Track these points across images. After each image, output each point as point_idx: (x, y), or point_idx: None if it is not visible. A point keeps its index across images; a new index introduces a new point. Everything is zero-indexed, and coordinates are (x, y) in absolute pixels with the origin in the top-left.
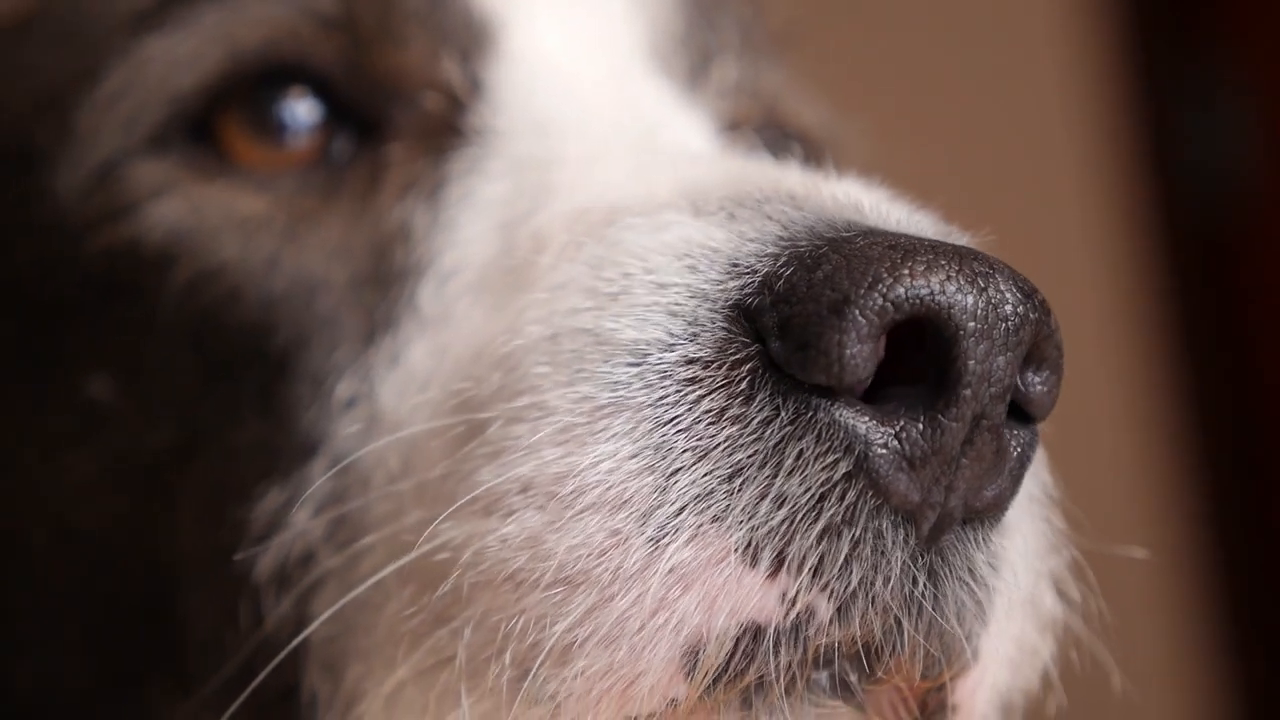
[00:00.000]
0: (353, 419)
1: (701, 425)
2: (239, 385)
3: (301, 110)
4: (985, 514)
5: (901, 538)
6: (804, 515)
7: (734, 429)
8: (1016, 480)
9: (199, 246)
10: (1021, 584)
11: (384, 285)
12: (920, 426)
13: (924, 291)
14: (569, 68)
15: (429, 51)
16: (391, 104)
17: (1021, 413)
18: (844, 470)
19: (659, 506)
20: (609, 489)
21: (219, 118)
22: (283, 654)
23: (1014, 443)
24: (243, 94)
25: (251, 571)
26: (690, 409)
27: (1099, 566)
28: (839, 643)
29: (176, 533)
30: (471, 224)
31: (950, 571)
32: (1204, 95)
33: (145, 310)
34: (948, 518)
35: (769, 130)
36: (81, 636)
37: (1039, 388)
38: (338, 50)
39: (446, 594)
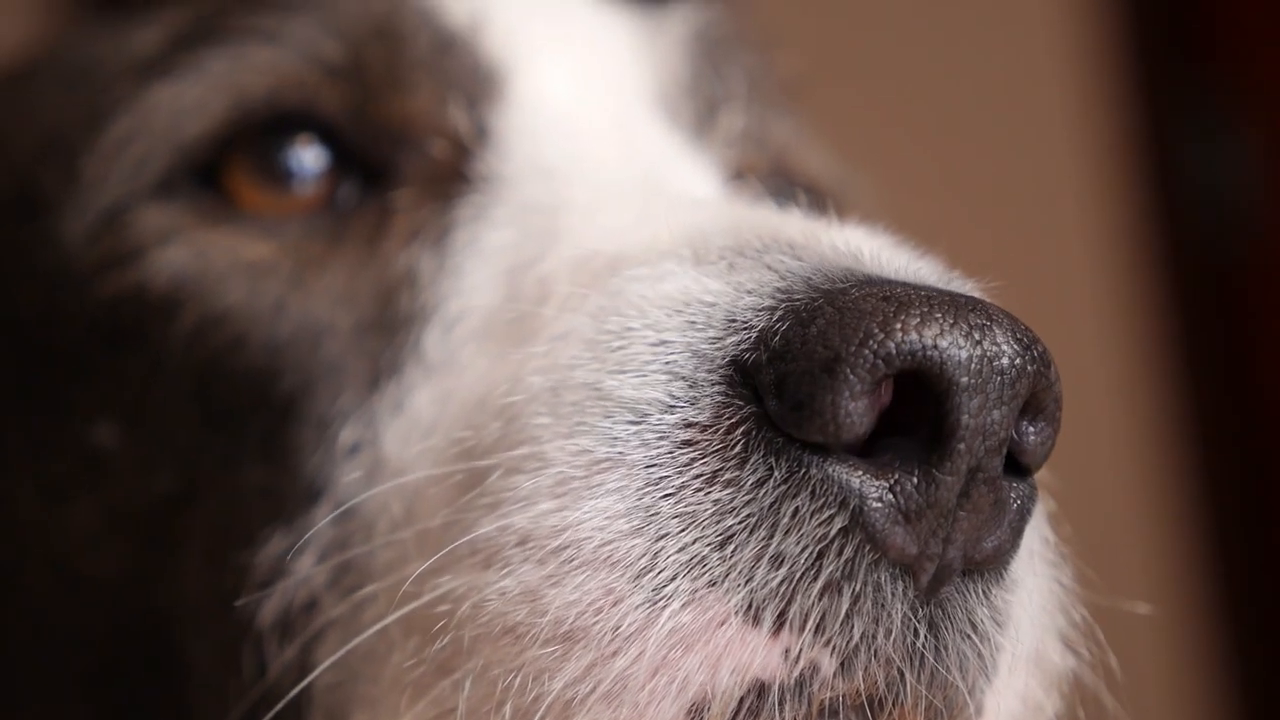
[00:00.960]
0: (356, 465)
1: (689, 491)
2: (243, 430)
3: (308, 157)
4: (986, 566)
5: (901, 590)
6: (803, 573)
7: (725, 493)
8: (1016, 533)
9: (204, 292)
10: (1026, 639)
11: (389, 331)
12: (915, 480)
13: (916, 346)
14: (576, 114)
15: (436, 98)
16: (398, 151)
17: (1019, 464)
18: (840, 525)
19: (650, 570)
20: (602, 546)
21: (226, 164)
22: (285, 700)
23: (1013, 495)
24: (249, 141)
25: (254, 618)
26: (680, 473)
27: (1104, 616)
28: (843, 695)
29: (180, 578)
30: (477, 270)
31: (951, 624)
32: (1207, 123)
33: (150, 355)
34: (947, 569)
35: (775, 179)
36: (83, 682)
37: (1033, 439)
38: (344, 98)
39: (447, 645)
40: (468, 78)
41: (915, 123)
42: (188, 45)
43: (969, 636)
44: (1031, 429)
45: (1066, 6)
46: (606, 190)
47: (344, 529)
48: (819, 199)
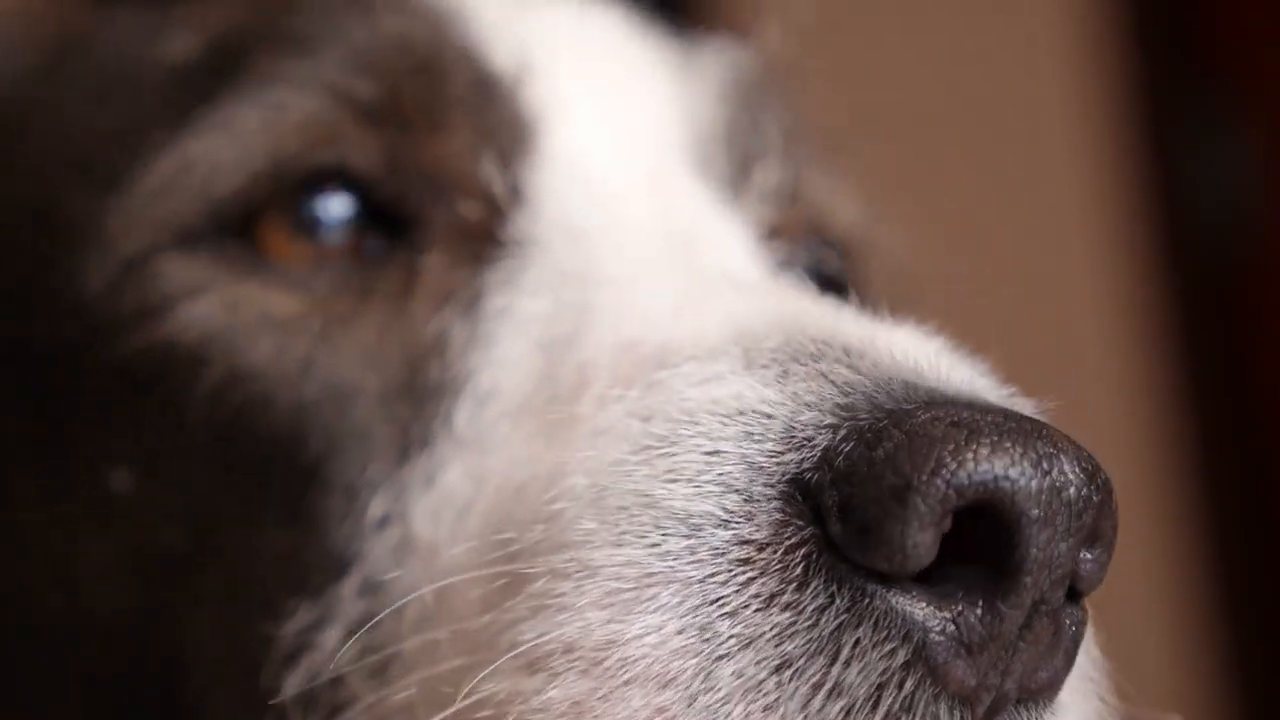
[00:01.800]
0: (385, 539)
1: (749, 611)
2: (265, 491)
3: (336, 207)
4: (1039, 695)
5: None
6: (861, 705)
7: (785, 616)
8: (1070, 660)
9: (232, 348)
10: None
11: (418, 399)
12: (979, 613)
13: (988, 478)
14: (609, 172)
15: (470, 144)
16: (428, 200)
17: (1072, 589)
18: (903, 659)
19: (706, 691)
20: (654, 663)
21: (258, 217)
22: None
23: (1069, 621)
24: (282, 197)
25: (278, 689)
26: (739, 591)
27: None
28: None
29: (197, 634)
30: (510, 342)
31: None
32: (1208, 124)
33: (172, 407)
34: (1003, 699)
35: (808, 238)
36: (84, 717)
37: (1090, 565)
38: (377, 144)
39: None
40: (503, 128)
41: (916, 125)
42: (224, 66)
43: None
44: (1089, 555)
45: (1068, 8)
46: (643, 260)
47: (372, 605)
48: (851, 255)
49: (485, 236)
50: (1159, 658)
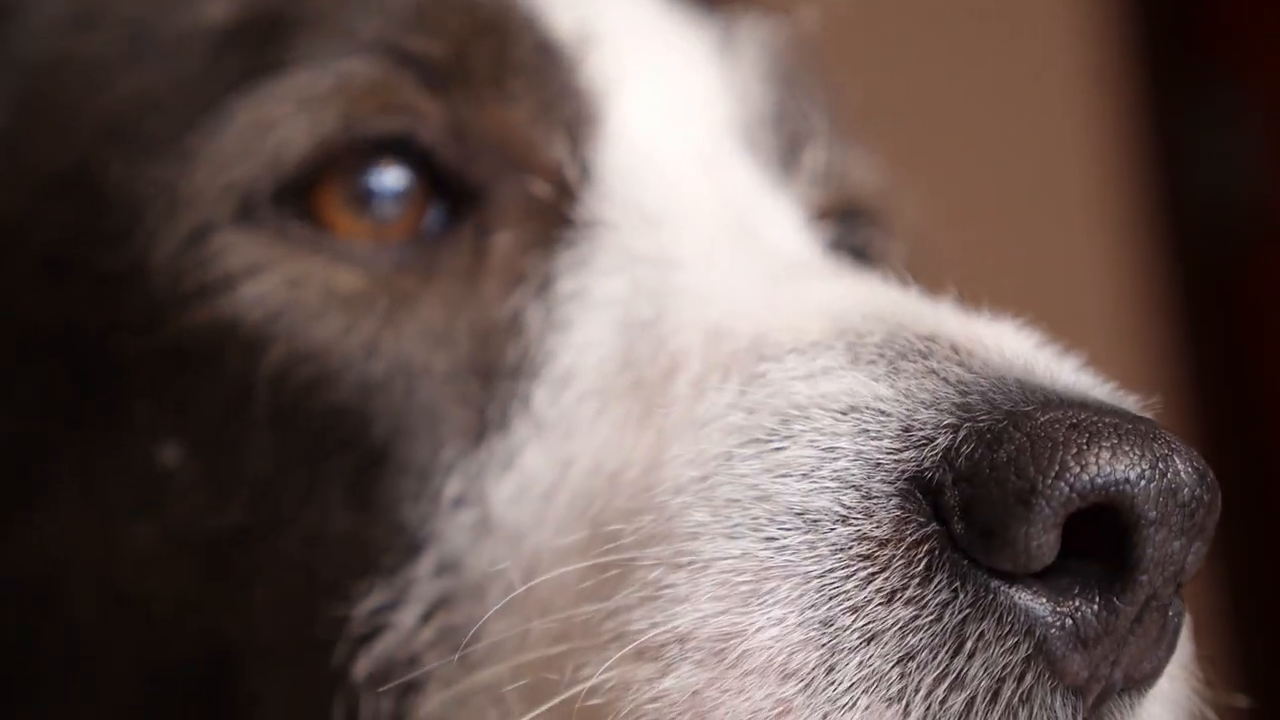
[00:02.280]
0: (462, 520)
1: (872, 606)
2: (328, 470)
3: (394, 178)
4: (1142, 683)
5: (1070, 712)
6: (983, 697)
7: (907, 611)
8: (1172, 649)
9: (295, 325)
10: None
11: (491, 380)
12: (1095, 608)
13: (1110, 481)
14: (669, 151)
15: (535, 114)
16: (493, 172)
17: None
18: (1025, 653)
19: (829, 685)
20: (775, 656)
21: (315, 186)
22: None
23: (1172, 614)
24: (344, 165)
25: (349, 669)
26: (860, 586)
27: None
28: None
29: (250, 616)
30: (588, 325)
31: None
32: (1214, 119)
33: (230, 384)
34: (1110, 689)
35: (850, 219)
36: (123, 705)
37: (1193, 559)
38: (442, 109)
39: None
40: (567, 100)
41: (922, 116)
42: (270, 28)
43: None
44: (1191, 549)
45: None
46: (711, 243)
47: (449, 586)
48: (882, 228)
49: (555, 216)
50: None
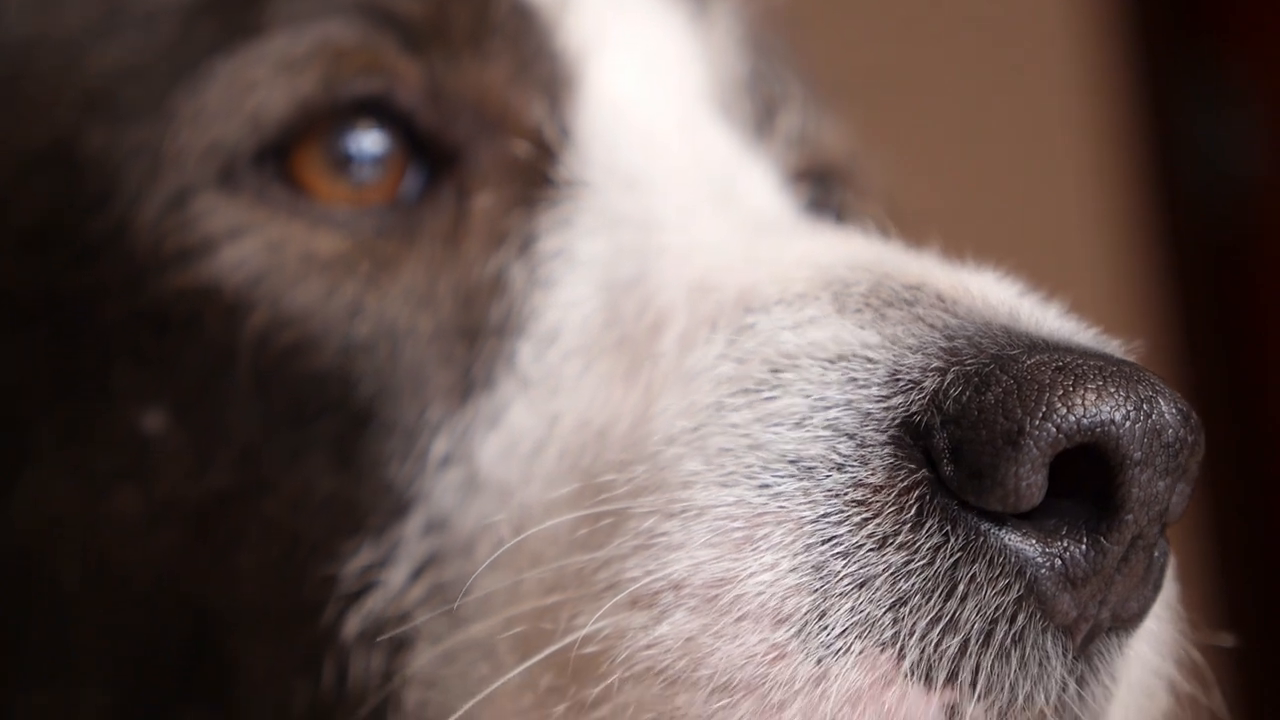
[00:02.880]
0: (449, 479)
1: (863, 551)
2: (312, 433)
3: (372, 142)
4: (1129, 622)
5: (1060, 651)
6: (976, 639)
7: (899, 556)
8: (1158, 589)
9: (278, 290)
10: (1144, 681)
11: (475, 339)
12: (1083, 548)
13: (1096, 421)
14: (647, 114)
15: (512, 74)
16: (471, 133)
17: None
18: (1016, 594)
19: (822, 629)
20: (768, 600)
21: (295, 149)
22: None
23: (1158, 554)
24: (322, 126)
25: (338, 629)
26: (853, 532)
27: None
28: None
29: (236, 580)
30: (572, 283)
31: (1095, 676)
32: (1211, 100)
33: (213, 349)
34: (1098, 629)
35: (823, 181)
36: (109, 674)
37: (1178, 499)
38: (420, 71)
39: (591, 684)
40: (544, 61)
41: (919, 94)
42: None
43: (1106, 686)
44: (1176, 490)
45: None
46: (692, 202)
47: (438, 543)
48: (852, 189)
49: (535, 176)
50: None
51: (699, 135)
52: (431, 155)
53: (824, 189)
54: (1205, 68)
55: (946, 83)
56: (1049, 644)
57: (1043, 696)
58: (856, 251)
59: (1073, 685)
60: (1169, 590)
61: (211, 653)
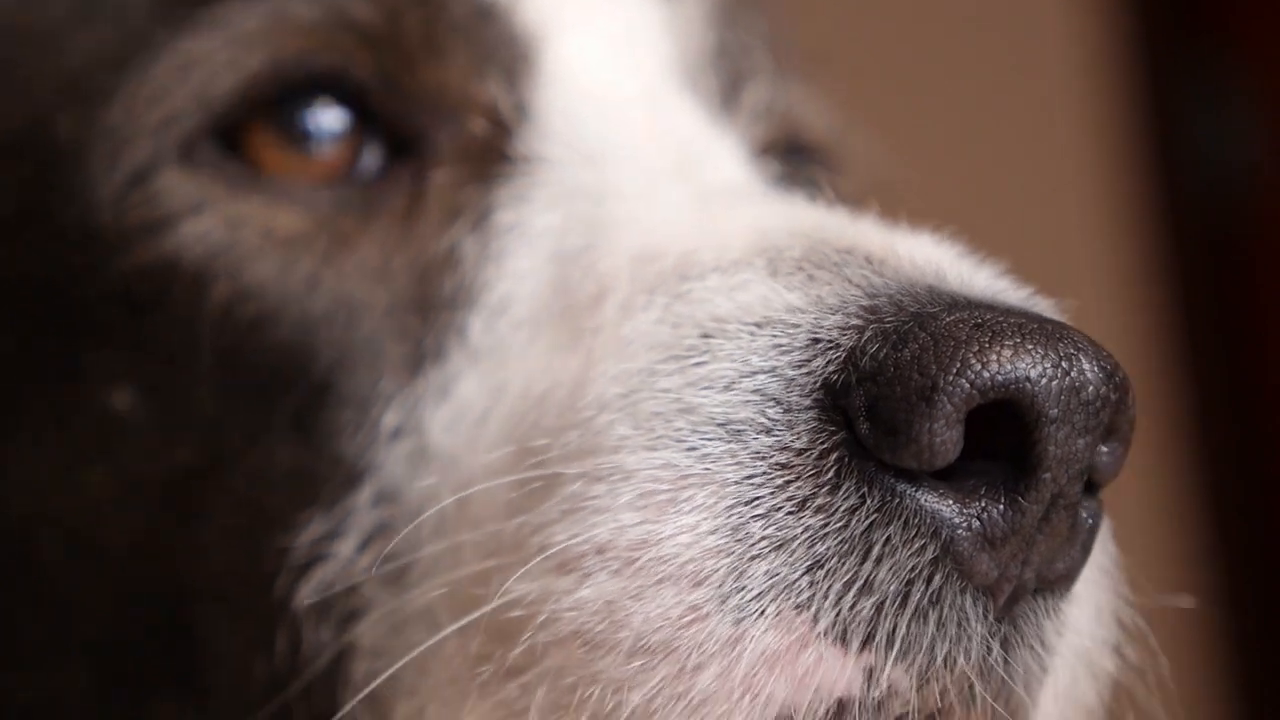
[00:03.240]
0: (400, 449)
1: (781, 514)
2: (273, 407)
3: (329, 119)
4: (1057, 584)
5: (981, 612)
6: (892, 600)
7: (817, 519)
8: (1086, 551)
9: (236, 265)
10: (1082, 648)
11: (429, 312)
12: (1000, 508)
13: (1010, 378)
14: (609, 90)
15: (471, 67)
16: (429, 120)
17: (1089, 482)
18: (931, 555)
19: (738, 590)
20: (687, 562)
21: (247, 126)
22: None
23: (1085, 514)
24: (274, 103)
25: (290, 600)
26: (774, 494)
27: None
28: (916, 709)
29: (202, 553)
30: (523, 255)
31: (1022, 639)
32: (1211, 95)
33: (176, 325)
34: (1022, 589)
35: (794, 155)
36: (89, 650)
37: (1106, 459)
38: (375, 63)
39: (519, 649)
40: (503, 49)
41: (919, 90)
42: None
43: (1035, 651)
44: (1105, 450)
45: None
46: (649, 175)
47: (387, 514)
48: (831, 166)
49: (492, 153)
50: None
51: (662, 108)
52: (389, 136)
53: (796, 164)
54: (1205, 65)
55: (947, 80)
56: (968, 604)
57: (963, 657)
58: (796, 218)
59: (997, 648)
60: (1104, 555)
61: (184, 628)
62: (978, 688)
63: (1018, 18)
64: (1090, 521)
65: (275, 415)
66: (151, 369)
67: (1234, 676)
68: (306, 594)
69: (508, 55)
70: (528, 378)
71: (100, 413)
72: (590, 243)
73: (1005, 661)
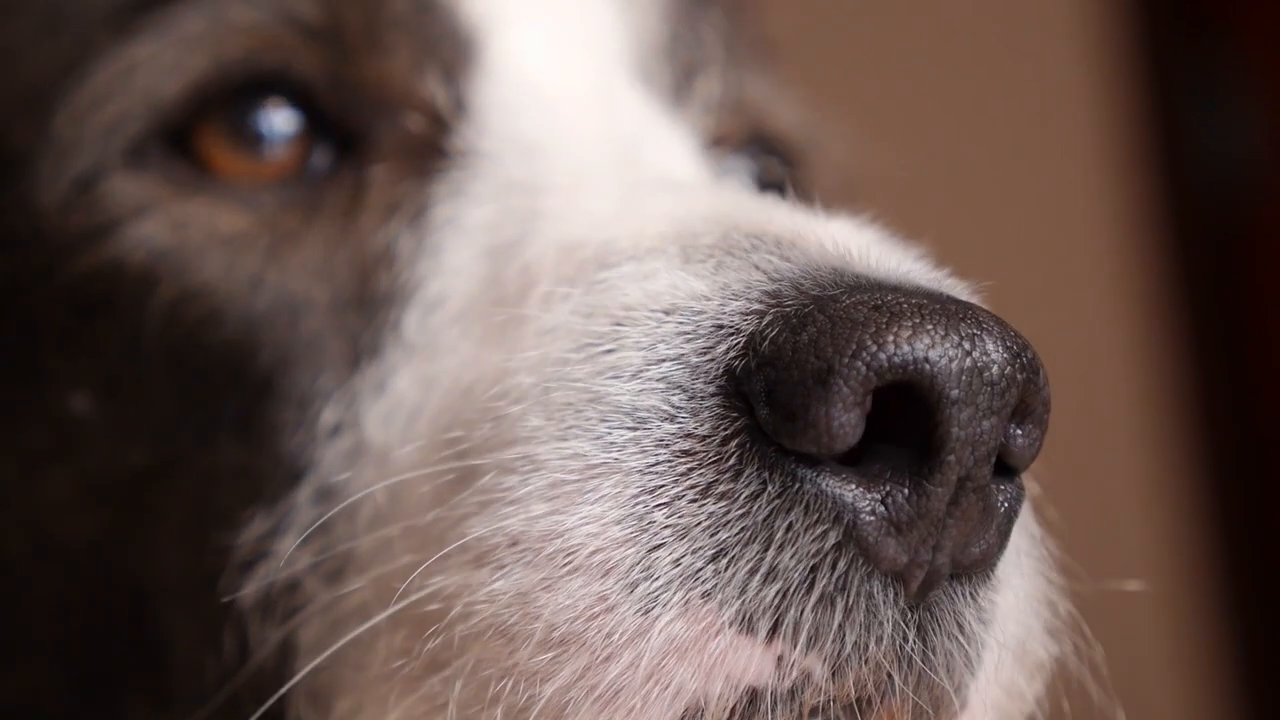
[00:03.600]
0: (338, 446)
1: (684, 502)
2: (220, 406)
3: (280, 120)
4: (974, 570)
5: (892, 598)
6: (797, 587)
7: (719, 506)
8: (1004, 535)
9: (181, 266)
10: (1011, 634)
11: (368, 309)
12: (905, 492)
13: (908, 359)
14: (553, 82)
15: (412, 62)
16: (373, 117)
17: (1005, 465)
18: (834, 540)
19: (645, 580)
20: (594, 552)
21: (197, 129)
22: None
23: (1000, 499)
24: (222, 104)
25: (236, 598)
26: (676, 482)
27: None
28: (833, 698)
29: (156, 553)
30: (457, 250)
31: (939, 626)
32: (1214, 91)
33: (126, 327)
34: (936, 575)
35: (751, 145)
36: (60, 649)
37: (1021, 442)
38: (320, 60)
39: (438, 643)
40: (445, 42)
41: (924, 92)
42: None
43: (955, 637)
44: (1020, 432)
45: None
46: (587, 167)
47: (326, 511)
48: (794, 160)
49: (431, 149)
50: (1159, 633)
51: (609, 102)
52: (337, 137)
53: (756, 155)
54: (1208, 60)
55: (951, 80)
56: (876, 590)
57: (875, 645)
58: (716, 205)
59: (913, 636)
60: (1029, 541)
61: (144, 628)
62: (895, 678)
63: (1020, 14)
64: (1006, 505)
65: (222, 414)
66: (105, 372)
67: (1240, 679)
68: (250, 591)
69: (449, 51)
70: (457, 371)
71: (58, 416)
72: (521, 235)
73: (924, 650)
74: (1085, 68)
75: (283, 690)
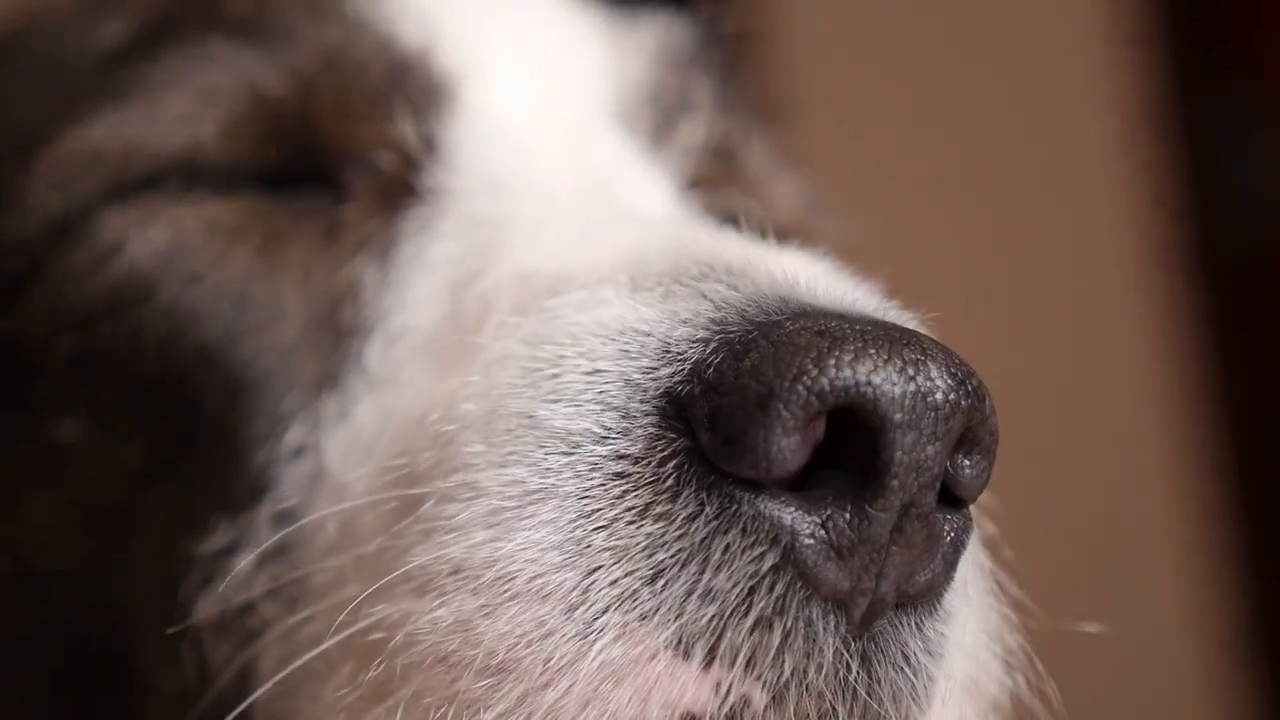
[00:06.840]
0: (299, 470)
1: (621, 524)
2: (198, 408)
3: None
4: (919, 600)
5: (833, 625)
6: (734, 610)
7: (657, 527)
8: (950, 565)
9: (168, 280)
10: (960, 668)
11: (335, 338)
12: (847, 516)
13: (850, 383)
14: (526, 124)
15: (385, 119)
16: (345, 166)
17: (953, 496)
18: (771, 562)
19: (582, 603)
20: (534, 578)
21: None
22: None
23: (946, 528)
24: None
25: (197, 619)
26: (613, 505)
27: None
28: None
29: (132, 566)
30: (421, 284)
31: (884, 657)
32: (1241, 131)
33: (109, 352)
34: (880, 604)
35: (730, 189)
36: (44, 678)
37: (968, 472)
38: (293, 125)
39: (382, 673)
40: (418, 95)
41: (946, 119)
42: (148, 50)
43: (902, 669)
44: (967, 462)
45: (1099, 3)
46: (553, 204)
47: (283, 534)
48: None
49: (401, 188)
50: (1186, 652)
51: (585, 143)
52: (311, 174)
53: (724, 196)
54: (1236, 104)
55: (972, 110)
56: (816, 616)
57: (816, 673)
58: (670, 236)
59: (856, 665)
60: (979, 573)
61: (124, 658)
62: (839, 709)
63: (1049, 56)
64: (952, 535)
65: (201, 416)
66: (94, 395)
67: (1241, 686)
68: (210, 613)
69: (422, 95)
70: (412, 401)
71: (48, 442)
72: (481, 269)
73: (869, 681)
74: (1113, 110)
75: (234, 715)
